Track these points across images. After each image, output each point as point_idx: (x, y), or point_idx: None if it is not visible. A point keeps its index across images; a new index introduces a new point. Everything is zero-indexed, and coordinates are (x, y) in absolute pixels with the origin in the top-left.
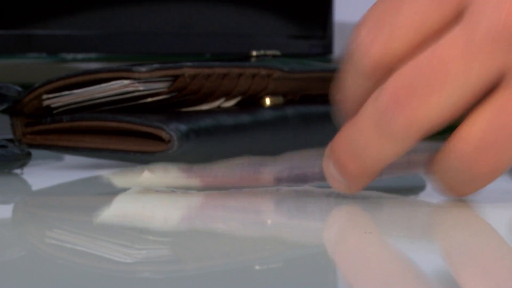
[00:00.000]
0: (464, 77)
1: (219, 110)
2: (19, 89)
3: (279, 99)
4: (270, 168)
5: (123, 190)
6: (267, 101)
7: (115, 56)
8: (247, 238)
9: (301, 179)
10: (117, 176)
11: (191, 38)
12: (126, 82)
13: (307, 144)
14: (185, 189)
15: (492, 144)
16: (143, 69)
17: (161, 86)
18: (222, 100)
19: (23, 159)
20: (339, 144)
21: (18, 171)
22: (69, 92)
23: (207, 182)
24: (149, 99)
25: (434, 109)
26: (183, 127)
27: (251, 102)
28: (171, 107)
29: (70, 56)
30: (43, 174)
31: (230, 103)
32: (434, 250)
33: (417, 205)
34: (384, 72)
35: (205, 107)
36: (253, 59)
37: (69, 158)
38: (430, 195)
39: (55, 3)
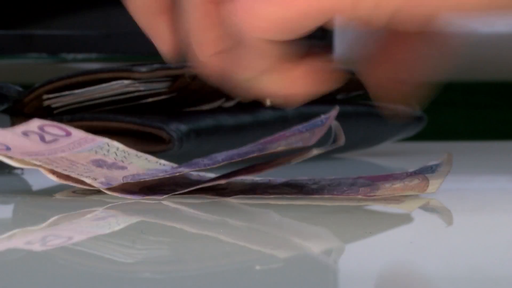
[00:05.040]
0: None
1: (219, 110)
2: (19, 89)
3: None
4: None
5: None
6: (268, 101)
7: (115, 56)
8: (247, 238)
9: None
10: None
11: None
12: (126, 82)
13: None
14: None
15: None
16: (143, 69)
17: (161, 86)
18: (222, 100)
19: None
20: None
21: (18, 171)
22: (69, 92)
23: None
24: (150, 99)
25: None
26: (183, 127)
27: (251, 102)
28: (171, 107)
29: (70, 56)
30: (43, 174)
31: (231, 103)
32: (434, 250)
33: (417, 206)
34: None
35: (205, 107)
36: None
37: None
38: (429, 196)
39: (55, 3)
